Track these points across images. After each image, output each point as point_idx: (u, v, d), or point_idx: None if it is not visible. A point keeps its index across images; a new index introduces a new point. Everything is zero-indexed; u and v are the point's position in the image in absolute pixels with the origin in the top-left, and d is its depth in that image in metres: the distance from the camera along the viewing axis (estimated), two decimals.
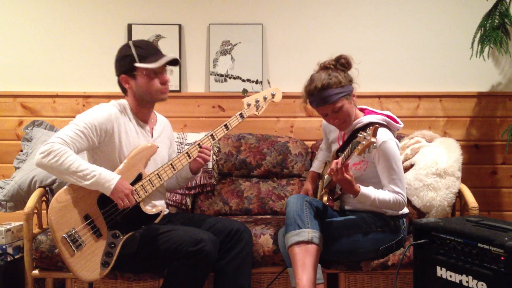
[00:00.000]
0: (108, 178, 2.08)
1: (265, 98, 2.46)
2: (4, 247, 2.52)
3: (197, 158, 2.31)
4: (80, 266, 2.08)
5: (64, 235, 2.06)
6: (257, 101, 2.42)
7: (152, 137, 2.36)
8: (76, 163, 2.04)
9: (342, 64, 2.29)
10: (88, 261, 2.10)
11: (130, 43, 2.26)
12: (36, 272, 2.43)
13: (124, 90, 2.31)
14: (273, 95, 2.50)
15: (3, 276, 2.46)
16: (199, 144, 2.32)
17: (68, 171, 2.03)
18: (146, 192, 2.21)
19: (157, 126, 2.42)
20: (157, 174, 2.24)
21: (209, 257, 2.11)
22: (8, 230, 2.55)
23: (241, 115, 2.37)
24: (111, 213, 2.15)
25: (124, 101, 2.31)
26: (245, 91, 2.43)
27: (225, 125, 2.34)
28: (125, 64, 2.22)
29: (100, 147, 2.20)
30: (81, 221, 2.10)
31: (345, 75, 2.27)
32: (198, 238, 2.10)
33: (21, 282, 2.44)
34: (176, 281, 2.16)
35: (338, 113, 2.26)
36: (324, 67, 2.30)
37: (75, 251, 2.07)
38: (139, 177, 2.21)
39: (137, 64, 2.19)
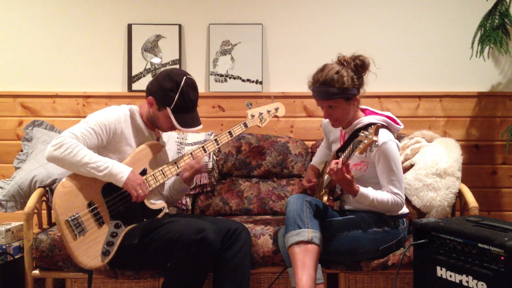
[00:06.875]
0: (120, 170, 2.14)
1: (268, 111, 2.67)
2: (4, 247, 2.52)
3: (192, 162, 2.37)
4: (81, 252, 2.11)
5: (67, 219, 2.10)
6: (260, 114, 2.61)
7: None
8: (88, 155, 2.10)
9: (356, 65, 2.24)
10: (90, 247, 2.12)
11: (182, 84, 2.22)
12: (36, 272, 2.43)
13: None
14: (276, 109, 2.70)
15: (3, 276, 2.46)
16: (203, 147, 2.40)
17: (81, 163, 2.09)
18: (150, 186, 2.25)
19: (164, 136, 2.50)
20: (161, 170, 2.30)
21: (212, 246, 2.11)
22: (8, 230, 2.55)
23: (245, 125, 2.54)
24: (114, 203, 2.19)
25: (135, 108, 2.36)
26: (249, 104, 2.60)
27: (229, 132, 2.48)
28: (161, 97, 2.24)
29: (107, 147, 2.24)
30: (85, 207, 2.15)
31: (353, 77, 2.23)
32: (201, 227, 2.11)
33: (21, 282, 2.44)
34: (179, 271, 2.15)
35: (332, 110, 2.26)
36: (339, 62, 2.27)
37: (77, 235, 2.10)
38: (143, 172, 2.27)
39: (169, 110, 2.22)
